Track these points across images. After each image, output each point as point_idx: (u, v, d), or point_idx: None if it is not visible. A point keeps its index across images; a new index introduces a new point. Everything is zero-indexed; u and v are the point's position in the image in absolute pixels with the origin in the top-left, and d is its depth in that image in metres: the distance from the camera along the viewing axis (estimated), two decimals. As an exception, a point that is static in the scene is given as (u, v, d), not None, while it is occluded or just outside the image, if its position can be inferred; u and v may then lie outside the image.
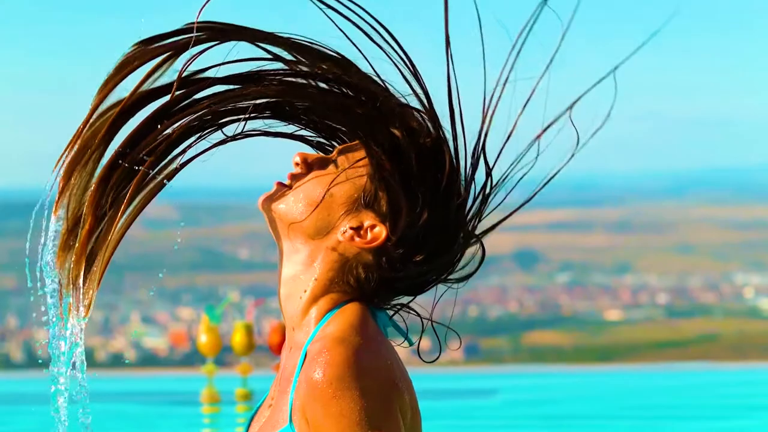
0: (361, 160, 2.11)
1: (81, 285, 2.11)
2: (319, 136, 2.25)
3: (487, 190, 2.15)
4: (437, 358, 2.18)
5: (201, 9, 2.13)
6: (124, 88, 2.14)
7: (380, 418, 1.97)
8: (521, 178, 2.15)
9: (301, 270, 2.13)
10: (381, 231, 2.09)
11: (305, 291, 2.12)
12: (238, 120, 2.17)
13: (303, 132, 2.25)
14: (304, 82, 2.17)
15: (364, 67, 2.16)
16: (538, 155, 2.14)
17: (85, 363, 2.11)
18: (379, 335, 2.09)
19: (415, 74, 2.15)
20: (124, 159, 2.12)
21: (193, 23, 2.13)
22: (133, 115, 2.14)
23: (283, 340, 2.20)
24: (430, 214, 2.10)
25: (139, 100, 2.14)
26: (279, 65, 2.18)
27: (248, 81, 2.16)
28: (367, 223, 2.10)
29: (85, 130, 2.14)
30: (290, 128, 2.25)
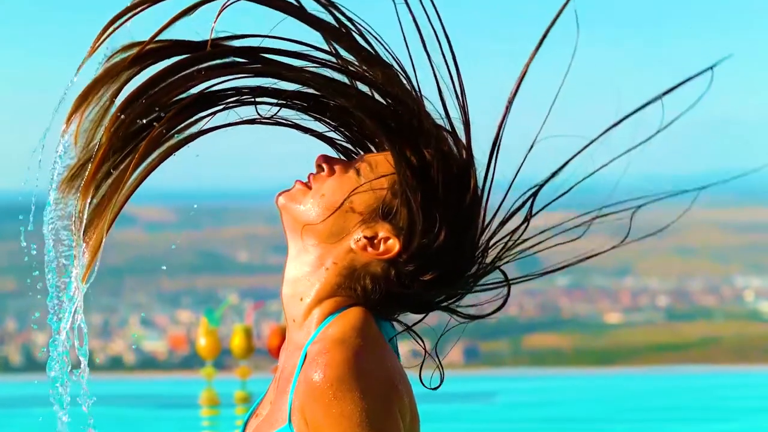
0: (389, 174, 2.08)
1: (84, 219, 2.07)
2: (346, 141, 2.23)
3: (519, 233, 2.16)
4: (439, 386, 2.17)
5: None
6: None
7: (381, 419, 1.97)
8: (549, 229, 2.16)
9: (308, 272, 2.11)
10: (394, 244, 2.08)
11: (310, 293, 2.11)
12: (276, 104, 2.15)
13: (331, 134, 2.23)
14: (347, 81, 2.15)
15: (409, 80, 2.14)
16: (564, 193, 2.21)
17: (87, 353, 2.08)
18: (380, 338, 2.08)
19: (463, 105, 2.13)
20: (147, 98, 2.08)
21: None
22: (159, 60, 2.09)
23: (283, 343, 2.18)
24: (446, 237, 2.08)
25: (170, 47, 2.09)
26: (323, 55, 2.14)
27: (295, 58, 2.12)
28: (381, 235, 2.09)
29: (103, 62, 2.09)
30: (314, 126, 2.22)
